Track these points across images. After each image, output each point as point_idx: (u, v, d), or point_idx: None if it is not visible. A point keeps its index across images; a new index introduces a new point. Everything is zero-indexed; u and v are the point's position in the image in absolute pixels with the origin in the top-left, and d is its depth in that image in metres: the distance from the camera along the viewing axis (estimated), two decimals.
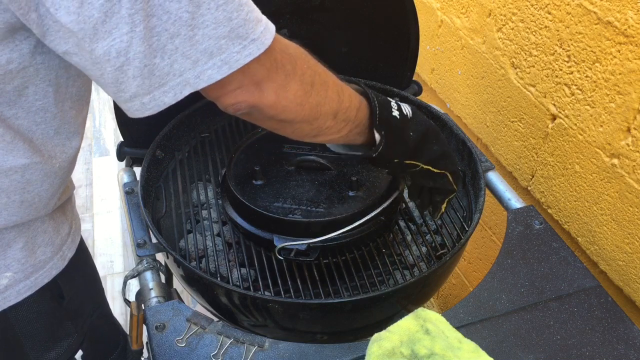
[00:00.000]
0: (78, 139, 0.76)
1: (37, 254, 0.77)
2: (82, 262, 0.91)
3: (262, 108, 0.64)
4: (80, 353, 1.00)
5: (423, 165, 0.83)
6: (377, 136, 0.77)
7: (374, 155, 0.78)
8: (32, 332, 0.83)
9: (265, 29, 0.60)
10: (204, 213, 1.13)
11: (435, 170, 0.84)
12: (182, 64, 0.56)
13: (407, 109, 0.82)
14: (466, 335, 0.80)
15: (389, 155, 0.79)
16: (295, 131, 0.71)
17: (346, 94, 0.74)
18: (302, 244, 0.90)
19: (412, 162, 0.82)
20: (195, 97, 1.09)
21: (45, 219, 0.78)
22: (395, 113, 0.79)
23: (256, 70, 0.61)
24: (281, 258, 0.90)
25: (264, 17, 0.62)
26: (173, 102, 0.59)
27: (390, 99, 0.81)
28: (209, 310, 0.96)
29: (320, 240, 0.90)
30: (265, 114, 0.65)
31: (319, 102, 0.69)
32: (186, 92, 0.58)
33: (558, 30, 1.04)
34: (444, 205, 0.89)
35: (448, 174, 0.85)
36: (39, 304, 0.81)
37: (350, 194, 0.96)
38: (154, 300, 0.89)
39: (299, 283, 0.92)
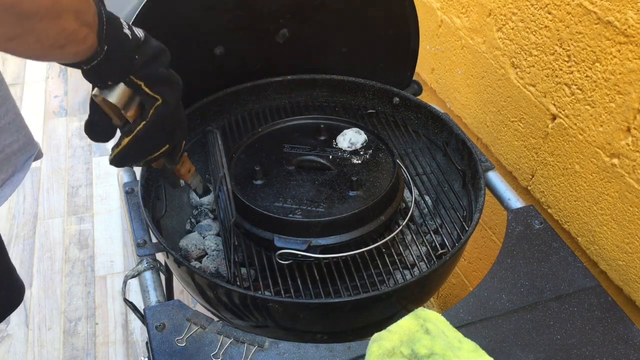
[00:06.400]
0: None
1: None
2: None
3: None
4: None
5: (134, 79, 0.73)
6: (98, 48, 0.68)
7: (85, 68, 0.69)
8: None
9: None
10: (204, 213, 1.13)
11: (146, 90, 0.74)
12: None
13: (140, 32, 0.74)
14: (466, 335, 0.80)
15: (106, 74, 0.71)
16: (40, 36, 0.60)
17: None
18: (305, 253, 0.90)
19: (127, 79, 0.73)
20: (195, 97, 1.09)
21: None
22: (127, 31, 0.71)
23: None
24: (283, 262, 0.90)
25: None
26: None
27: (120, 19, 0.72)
28: (209, 310, 0.96)
29: (321, 246, 0.91)
30: (1, 4, 0.55)
31: None
32: None
33: (558, 30, 1.04)
34: (126, 140, 0.77)
35: (159, 101, 0.75)
36: None
37: (351, 193, 0.96)
38: (154, 300, 0.89)
39: (299, 283, 0.92)
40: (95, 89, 0.75)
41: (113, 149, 0.80)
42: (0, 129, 0.87)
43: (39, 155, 0.96)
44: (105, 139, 0.81)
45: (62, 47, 0.63)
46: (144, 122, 0.76)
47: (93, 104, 0.78)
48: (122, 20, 0.72)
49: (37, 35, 0.59)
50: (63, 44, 0.63)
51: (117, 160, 0.80)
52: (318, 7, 1.13)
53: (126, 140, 0.77)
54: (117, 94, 0.75)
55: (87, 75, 0.72)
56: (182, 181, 1.00)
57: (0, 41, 0.58)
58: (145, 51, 0.74)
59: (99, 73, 0.71)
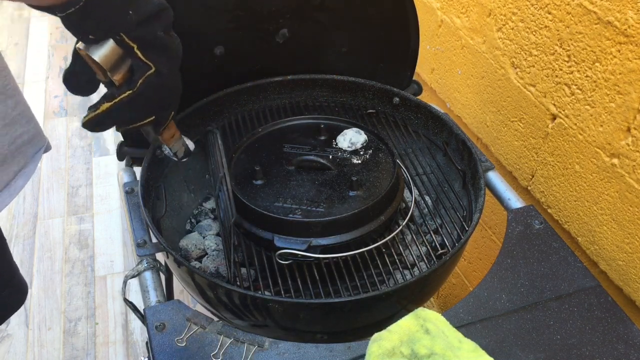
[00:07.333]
0: None
1: None
2: None
3: None
4: None
5: (126, 39, 0.63)
6: None
7: (60, 15, 0.60)
8: None
9: None
10: (204, 213, 1.13)
11: (139, 54, 0.64)
12: None
13: None
14: (466, 335, 0.80)
15: (86, 26, 0.62)
16: None
17: None
18: (305, 253, 0.90)
19: (118, 37, 0.63)
20: (195, 97, 1.09)
21: None
22: None
23: None
24: (283, 262, 0.90)
25: None
26: None
27: None
28: (209, 310, 0.96)
29: (321, 245, 0.90)
30: None
31: None
32: None
33: (558, 30, 1.04)
34: (106, 105, 0.67)
35: (152, 70, 0.65)
36: None
37: (351, 193, 0.96)
38: (154, 300, 0.89)
39: (299, 283, 0.92)
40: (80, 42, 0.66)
41: (89, 110, 0.70)
42: (11, 120, 0.87)
43: (47, 148, 0.97)
44: (84, 92, 0.72)
45: None
46: (129, 92, 0.67)
47: (76, 54, 0.68)
48: None
49: None
50: None
51: (92, 124, 0.70)
52: (318, 7, 1.13)
53: (106, 105, 0.68)
54: (104, 53, 0.64)
55: (65, 25, 0.62)
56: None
57: None
58: (142, 7, 0.64)
59: (77, 24, 0.62)
